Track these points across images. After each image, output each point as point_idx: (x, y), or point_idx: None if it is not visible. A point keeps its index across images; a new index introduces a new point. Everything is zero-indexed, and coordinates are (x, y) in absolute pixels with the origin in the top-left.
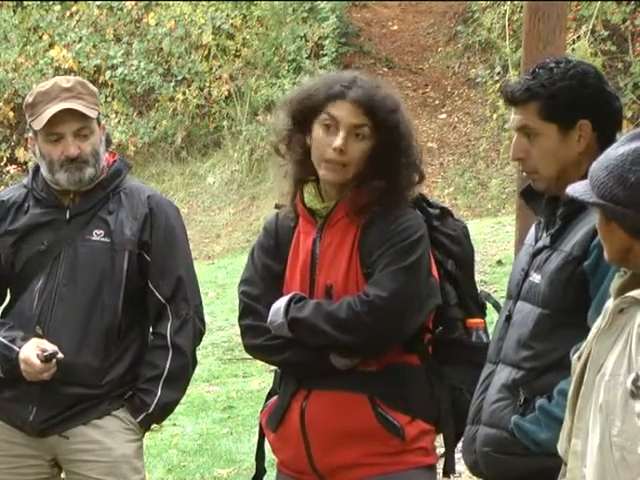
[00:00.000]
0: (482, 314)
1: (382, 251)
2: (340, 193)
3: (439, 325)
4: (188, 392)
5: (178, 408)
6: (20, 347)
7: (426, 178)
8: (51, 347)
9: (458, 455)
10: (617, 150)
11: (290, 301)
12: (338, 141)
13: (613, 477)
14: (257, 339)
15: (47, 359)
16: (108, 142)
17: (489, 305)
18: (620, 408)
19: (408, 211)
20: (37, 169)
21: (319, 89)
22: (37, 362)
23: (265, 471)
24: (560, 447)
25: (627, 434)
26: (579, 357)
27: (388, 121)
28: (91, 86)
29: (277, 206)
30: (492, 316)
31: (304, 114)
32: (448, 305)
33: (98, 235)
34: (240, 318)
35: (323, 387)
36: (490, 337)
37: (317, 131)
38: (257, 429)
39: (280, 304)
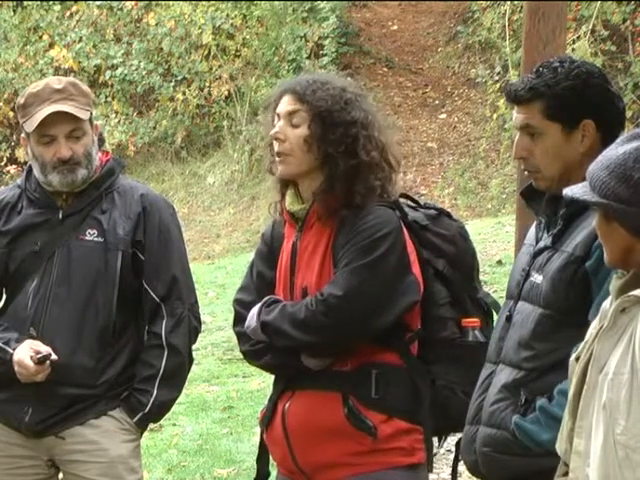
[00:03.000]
0: (484, 314)
1: (344, 250)
2: (314, 194)
3: (425, 324)
4: (188, 392)
5: (178, 408)
6: (14, 349)
7: (426, 178)
8: (45, 349)
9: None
10: (617, 150)
11: (263, 305)
12: (273, 129)
13: (617, 476)
14: (245, 345)
15: (40, 361)
16: (101, 141)
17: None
18: (624, 407)
19: (376, 209)
20: (30, 170)
21: (274, 97)
22: (31, 364)
23: (270, 474)
24: (559, 448)
25: (631, 433)
26: (577, 358)
27: (314, 96)
28: (83, 86)
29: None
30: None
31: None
32: (436, 304)
33: (91, 235)
34: (233, 325)
35: (303, 387)
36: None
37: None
38: (257, 429)
39: (255, 309)
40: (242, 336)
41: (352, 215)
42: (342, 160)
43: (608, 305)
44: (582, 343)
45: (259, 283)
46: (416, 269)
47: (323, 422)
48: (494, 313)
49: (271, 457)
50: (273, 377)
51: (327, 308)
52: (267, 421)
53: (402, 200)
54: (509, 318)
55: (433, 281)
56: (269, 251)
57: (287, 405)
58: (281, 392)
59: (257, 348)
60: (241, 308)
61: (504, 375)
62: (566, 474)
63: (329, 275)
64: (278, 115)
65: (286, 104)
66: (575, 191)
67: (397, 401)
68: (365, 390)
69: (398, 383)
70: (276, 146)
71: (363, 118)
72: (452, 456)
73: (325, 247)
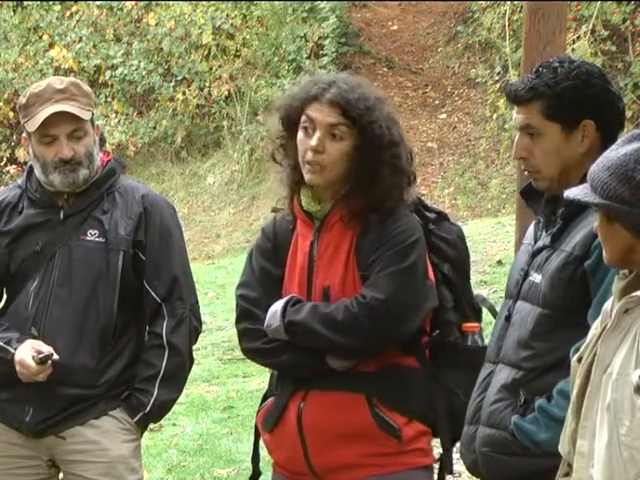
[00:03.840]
0: (478, 318)
1: (379, 254)
2: (334, 195)
3: (435, 328)
4: (188, 392)
5: (178, 408)
6: (15, 349)
7: (426, 178)
8: (46, 349)
9: (457, 456)
10: (618, 151)
11: (287, 304)
12: (313, 141)
13: (621, 476)
14: (254, 342)
15: (42, 361)
16: (102, 141)
17: (484, 308)
18: (628, 407)
19: (404, 214)
20: (31, 170)
21: (299, 93)
22: (32, 364)
23: (261, 473)
24: (562, 449)
25: (636, 433)
26: (579, 359)
27: (364, 119)
28: (85, 87)
29: (274, 209)
30: (488, 318)
31: (291, 119)
32: (444, 308)
33: (93, 235)
34: (237, 322)
35: (321, 388)
36: (486, 340)
37: (299, 134)
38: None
39: (277, 307)
40: (249, 333)
41: (379, 219)
42: (389, 179)
43: (610, 306)
44: (583, 344)
45: (264, 279)
46: (430, 274)
47: (346, 423)
48: (487, 317)
49: (269, 458)
50: (269, 378)
51: (369, 311)
52: (274, 421)
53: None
54: (508, 318)
55: (440, 285)
56: (273, 247)
57: (302, 405)
58: (292, 392)
59: (272, 346)
60: (247, 304)
61: (503, 375)
62: (567, 475)
63: (353, 277)
64: (311, 120)
65: (326, 114)
66: (576, 193)
67: (416, 404)
68: (388, 392)
69: (417, 386)
70: (311, 155)
71: (401, 135)
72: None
73: (348, 249)
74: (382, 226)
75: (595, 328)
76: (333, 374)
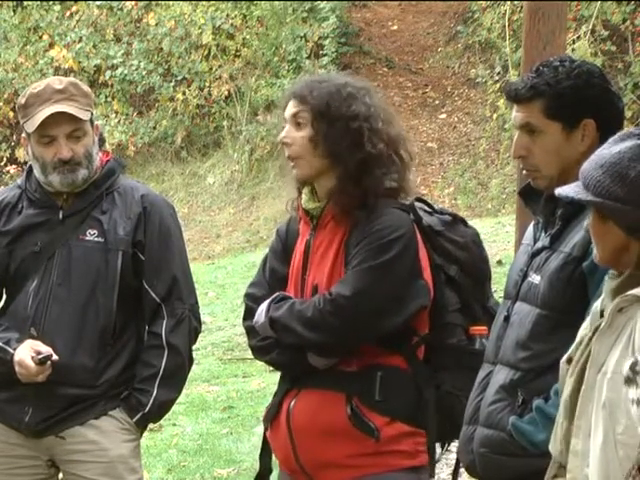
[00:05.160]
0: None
1: (357, 250)
2: (328, 193)
3: (434, 329)
4: (188, 392)
5: (178, 408)
6: (15, 349)
7: (426, 178)
8: (46, 349)
9: (453, 456)
10: (610, 149)
11: (272, 301)
12: (280, 134)
13: (617, 475)
14: (253, 340)
15: (41, 362)
16: (102, 141)
17: None
18: (624, 406)
19: (390, 212)
20: (31, 170)
21: (283, 102)
22: (32, 365)
23: (272, 470)
24: (553, 448)
25: (632, 431)
26: (569, 360)
27: (312, 98)
28: (84, 87)
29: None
30: None
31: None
32: (446, 310)
33: (92, 235)
34: (243, 320)
35: (309, 386)
36: None
37: None
38: (257, 429)
39: (264, 305)
40: (251, 331)
41: (365, 215)
42: (348, 155)
43: (599, 306)
44: (573, 345)
45: (271, 279)
46: (427, 274)
47: (326, 422)
48: None
49: (273, 455)
50: (275, 376)
51: (335, 308)
52: (271, 418)
53: (418, 204)
54: (507, 318)
55: (444, 287)
56: (283, 247)
57: (292, 403)
58: (287, 390)
59: (265, 344)
60: (252, 303)
61: (502, 375)
62: (556, 476)
63: (340, 274)
64: (285, 120)
65: (290, 107)
66: (568, 191)
67: (400, 404)
68: (369, 392)
69: (402, 387)
70: (286, 151)
71: (365, 111)
72: (451, 456)
73: (338, 246)
74: (366, 223)
75: (585, 328)
76: (318, 372)
